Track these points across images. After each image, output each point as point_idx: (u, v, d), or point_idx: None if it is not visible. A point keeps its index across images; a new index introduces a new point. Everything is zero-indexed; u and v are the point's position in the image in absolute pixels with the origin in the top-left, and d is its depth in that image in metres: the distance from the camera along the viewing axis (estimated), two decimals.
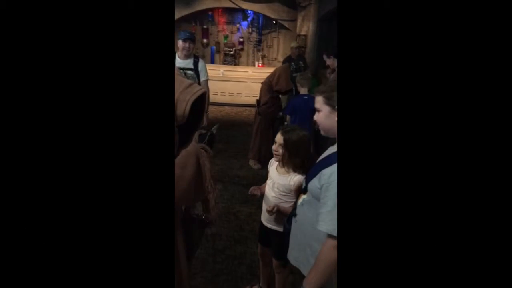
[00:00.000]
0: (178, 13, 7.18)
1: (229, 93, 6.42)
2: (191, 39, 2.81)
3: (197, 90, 0.94)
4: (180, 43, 2.81)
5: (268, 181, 1.54)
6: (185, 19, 7.55)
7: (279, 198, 1.46)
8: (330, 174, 0.95)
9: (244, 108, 6.23)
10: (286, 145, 1.38)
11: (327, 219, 0.93)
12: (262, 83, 3.32)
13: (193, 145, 1.00)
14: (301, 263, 1.18)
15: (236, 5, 7.23)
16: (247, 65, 7.86)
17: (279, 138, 1.41)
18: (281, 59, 6.81)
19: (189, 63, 2.87)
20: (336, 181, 0.91)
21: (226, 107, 6.33)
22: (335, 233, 0.91)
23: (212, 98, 6.33)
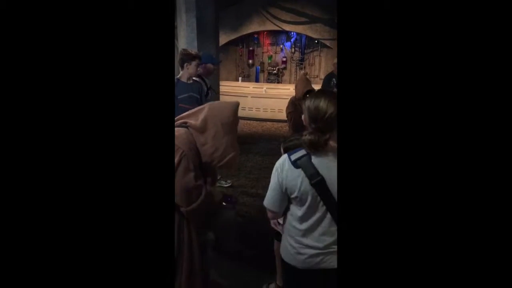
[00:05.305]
0: (226, 37, 7.83)
1: (271, 109, 6.74)
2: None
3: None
4: (210, 66, 3.10)
5: None
6: (233, 42, 8.19)
7: None
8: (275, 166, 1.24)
9: (285, 123, 6.45)
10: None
11: (267, 196, 1.26)
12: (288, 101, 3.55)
13: None
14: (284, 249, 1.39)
15: (280, 27, 7.67)
16: (290, 83, 8.16)
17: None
18: (322, 76, 6.98)
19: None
20: (275, 169, 1.24)
21: (268, 123, 6.63)
22: (268, 206, 1.25)
23: (255, 114, 6.73)
